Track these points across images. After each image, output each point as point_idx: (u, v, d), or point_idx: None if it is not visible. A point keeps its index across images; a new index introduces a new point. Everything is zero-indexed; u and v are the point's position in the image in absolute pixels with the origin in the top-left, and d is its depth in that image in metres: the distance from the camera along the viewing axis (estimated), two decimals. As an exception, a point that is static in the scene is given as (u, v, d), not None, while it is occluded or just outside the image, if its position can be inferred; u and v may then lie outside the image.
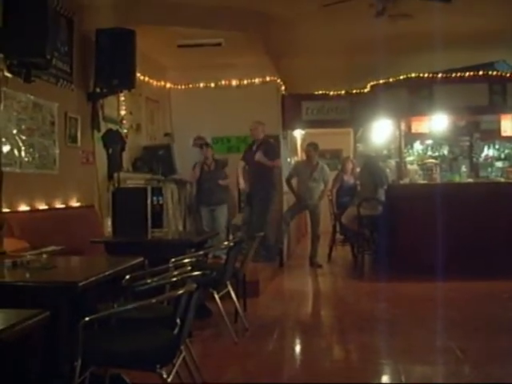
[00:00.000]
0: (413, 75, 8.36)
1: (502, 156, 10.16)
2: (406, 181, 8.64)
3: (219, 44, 7.52)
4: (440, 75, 8.37)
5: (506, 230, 7.30)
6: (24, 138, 5.13)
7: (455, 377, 3.88)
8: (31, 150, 5.24)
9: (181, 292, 2.79)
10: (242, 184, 8.00)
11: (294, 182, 8.85)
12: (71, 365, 2.66)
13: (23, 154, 5.12)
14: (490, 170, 10.01)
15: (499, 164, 10.05)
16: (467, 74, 8.35)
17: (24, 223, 4.76)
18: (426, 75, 8.37)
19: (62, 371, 3.01)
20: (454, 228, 7.25)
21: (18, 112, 5.04)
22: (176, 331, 2.87)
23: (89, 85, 6.32)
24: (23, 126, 5.12)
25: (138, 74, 7.06)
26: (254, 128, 7.94)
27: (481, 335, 4.82)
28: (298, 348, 4.91)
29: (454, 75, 8.36)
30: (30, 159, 5.24)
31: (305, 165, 8.87)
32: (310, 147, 8.75)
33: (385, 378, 3.95)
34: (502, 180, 8.92)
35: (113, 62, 6.10)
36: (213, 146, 8.27)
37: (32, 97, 5.22)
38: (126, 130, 7.37)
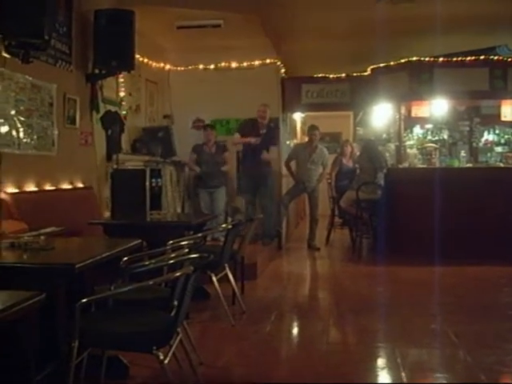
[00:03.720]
0: (414, 59, 8.32)
1: (502, 141, 10.16)
2: (406, 165, 8.64)
3: (219, 25, 7.47)
4: (441, 59, 8.33)
5: (504, 215, 7.32)
6: (22, 119, 5.12)
7: (449, 360, 3.92)
8: (30, 131, 5.23)
9: (178, 274, 2.80)
10: (254, 140, 7.90)
11: (292, 164, 8.84)
12: (69, 346, 2.68)
13: (22, 135, 5.11)
14: (489, 155, 10.02)
15: (499, 149, 10.05)
16: (468, 58, 8.30)
17: (22, 204, 4.76)
18: (426, 59, 8.32)
19: (59, 352, 3.04)
20: (452, 212, 7.27)
21: (16, 93, 5.01)
22: (173, 313, 2.88)
23: (88, 66, 6.28)
24: (21, 107, 5.10)
25: (137, 56, 7.02)
26: (263, 110, 7.91)
27: (476, 320, 4.85)
28: (295, 330, 4.94)
29: (454, 59, 8.32)
30: (29, 140, 5.23)
31: (304, 147, 8.86)
32: (314, 130, 8.72)
33: (380, 361, 3.98)
34: (501, 165, 8.92)
35: (112, 43, 6.05)
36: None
37: (30, 78, 5.19)
38: (124, 112, 7.34)
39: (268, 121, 8.01)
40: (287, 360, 4.07)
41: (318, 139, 8.72)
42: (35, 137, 5.32)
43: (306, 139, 9.14)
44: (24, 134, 5.15)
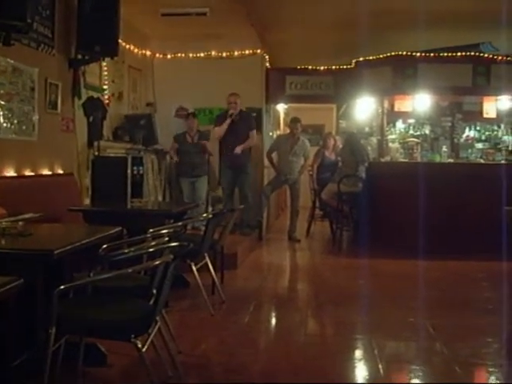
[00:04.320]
0: (398, 53, 8.34)
1: (483, 137, 10.25)
2: (387, 159, 8.69)
3: (204, 14, 7.41)
4: (425, 54, 8.37)
5: (484, 211, 7.38)
6: (3, 102, 5.04)
7: (426, 353, 3.96)
8: (10, 115, 5.16)
9: (158, 262, 2.79)
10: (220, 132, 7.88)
11: (274, 156, 8.84)
12: (46, 333, 2.66)
13: (1, 119, 5.04)
14: (470, 151, 10.10)
15: (479, 145, 10.13)
16: (452, 54, 8.35)
17: (1, 190, 4.70)
18: (410, 54, 8.36)
19: (37, 339, 3.01)
20: (433, 207, 7.32)
21: (-5, 77, 4.94)
22: (152, 301, 2.88)
23: (70, 51, 6.20)
24: (2, 91, 5.03)
25: (121, 42, 6.95)
26: (233, 101, 7.81)
27: (454, 313, 4.91)
28: (273, 321, 4.95)
29: (439, 55, 8.36)
30: (9, 125, 5.15)
31: (286, 139, 8.86)
32: (296, 123, 8.71)
33: (358, 352, 4.00)
34: (482, 161, 9.01)
35: (95, 29, 5.98)
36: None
37: (12, 61, 5.11)
38: (107, 98, 7.27)
39: (240, 109, 7.90)
40: (265, 350, 4.07)
41: (299, 131, 8.72)
42: (15, 121, 5.25)
43: (288, 131, 9.14)
44: (4, 119, 5.08)
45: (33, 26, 5.12)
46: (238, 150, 7.70)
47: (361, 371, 3.65)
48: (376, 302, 5.29)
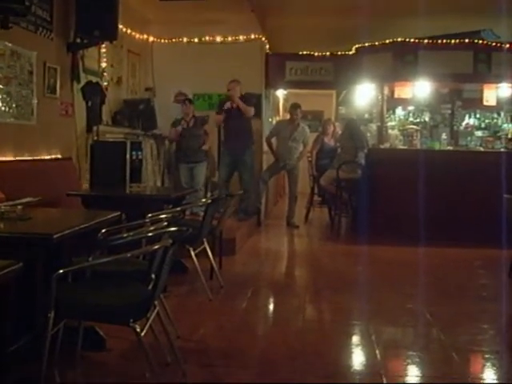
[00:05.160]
0: (398, 40, 8.30)
1: (482, 125, 10.23)
2: (387, 146, 8.68)
3: (204, -1, 7.36)
4: (426, 41, 8.33)
5: (483, 198, 7.38)
6: (1, 86, 5.02)
7: (423, 339, 3.98)
8: (8, 99, 5.13)
9: (156, 247, 2.79)
10: (219, 121, 7.88)
11: (274, 141, 8.82)
12: (45, 317, 2.67)
13: (0, 103, 5.02)
14: (469, 138, 10.08)
15: (479, 133, 10.12)
16: (453, 41, 8.32)
17: (0, 174, 4.69)
18: (411, 40, 8.32)
19: (35, 323, 3.02)
20: (432, 194, 7.32)
21: (-6, 60, 4.91)
22: (150, 286, 2.88)
23: (69, 35, 6.16)
24: (0, 75, 5.00)
25: (121, 26, 6.90)
26: (232, 87, 7.78)
27: (451, 300, 4.93)
28: (271, 307, 4.97)
29: (439, 42, 8.32)
30: (7, 109, 5.13)
31: (286, 124, 8.84)
32: (296, 109, 8.68)
33: (355, 338, 4.02)
34: (481, 149, 9.00)
35: (94, 12, 5.94)
36: (194, 102, 8.18)
37: (10, 44, 5.08)
38: (106, 83, 7.24)
39: (240, 94, 7.87)
40: (263, 336, 4.10)
41: (299, 117, 8.68)
42: (14, 105, 5.23)
43: (288, 117, 9.11)
44: (2, 103, 5.06)
45: (31, 9, 5.08)
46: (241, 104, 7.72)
47: (358, 357, 3.67)
48: (374, 288, 5.31)
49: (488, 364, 3.57)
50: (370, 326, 4.12)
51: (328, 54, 9.55)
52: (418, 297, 5.01)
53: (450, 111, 10.37)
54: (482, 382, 3.30)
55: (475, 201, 7.45)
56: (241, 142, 7.82)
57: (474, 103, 9.89)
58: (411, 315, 4.51)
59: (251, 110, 7.85)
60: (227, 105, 7.73)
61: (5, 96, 5.08)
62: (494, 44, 8.33)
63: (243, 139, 7.84)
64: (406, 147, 8.72)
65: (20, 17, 4.89)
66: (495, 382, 3.32)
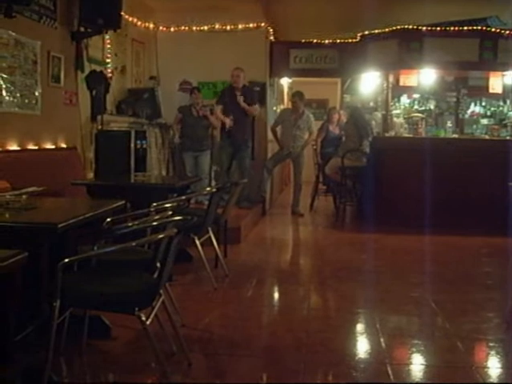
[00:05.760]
0: (403, 27, 8.25)
1: (488, 113, 10.19)
2: (392, 134, 8.64)
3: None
4: (431, 28, 8.27)
5: (488, 186, 7.35)
6: (5, 76, 5.02)
7: (428, 327, 3.99)
8: (12, 88, 5.13)
9: (161, 236, 2.79)
10: (229, 121, 7.86)
11: (278, 129, 8.81)
12: (50, 306, 2.68)
13: (4, 92, 5.02)
14: (474, 126, 10.05)
15: (484, 121, 10.08)
16: (459, 28, 8.25)
17: (5, 163, 4.70)
18: (416, 28, 8.26)
19: (41, 312, 3.03)
20: (437, 183, 7.30)
21: (-2, 49, 4.91)
22: (156, 275, 2.89)
23: (73, 23, 6.15)
24: (4, 64, 5.00)
25: (124, 15, 6.88)
26: (236, 75, 7.78)
27: (456, 288, 4.93)
28: (276, 295, 4.98)
29: (445, 29, 8.26)
30: (12, 98, 5.13)
31: (290, 113, 8.81)
32: (296, 97, 8.67)
33: (360, 326, 4.03)
34: (487, 137, 8.96)
35: (98, 1, 5.93)
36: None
37: (13, 33, 5.07)
38: (110, 72, 7.23)
39: (243, 84, 7.88)
40: (268, 324, 4.10)
41: (301, 105, 8.63)
42: (18, 95, 5.23)
43: (291, 106, 9.09)
44: (6, 92, 5.06)
45: (34, -2, 5.07)
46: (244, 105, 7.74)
47: (363, 345, 3.68)
48: (379, 276, 5.32)
49: (492, 352, 3.57)
50: (375, 315, 4.12)
51: (333, 41, 9.49)
52: (423, 285, 5.01)
53: (455, 99, 10.33)
54: (486, 370, 3.30)
55: (481, 189, 7.42)
56: (241, 132, 7.82)
57: (480, 91, 9.84)
58: (416, 303, 4.51)
59: (256, 110, 7.90)
60: (229, 123, 7.74)
61: (9, 85, 5.08)
62: (500, 31, 8.26)
63: (243, 129, 7.85)
64: (411, 135, 8.68)
65: (23, 6, 4.87)
66: (500, 370, 3.32)
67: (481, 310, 4.36)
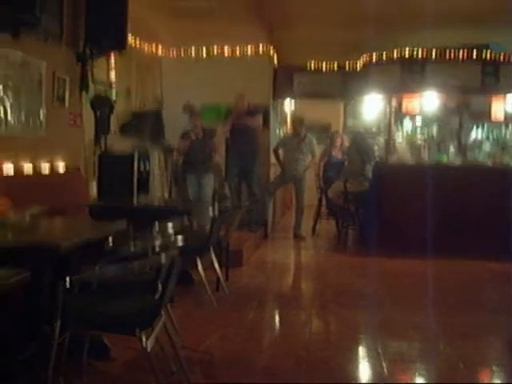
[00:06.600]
0: (406, 51, 8.32)
1: (490, 138, 10.21)
2: (394, 159, 8.66)
3: (213, 10, 7.40)
4: (433, 53, 8.34)
5: (490, 212, 7.34)
6: (10, 96, 5.05)
7: (430, 352, 3.95)
8: (17, 108, 5.16)
9: (163, 258, 2.79)
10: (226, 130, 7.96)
11: (281, 153, 8.85)
12: (51, 326, 2.67)
13: (9, 112, 5.05)
14: (477, 151, 10.06)
15: (487, 146, 10.10)
16: (461, 53, 8.32)
17: (9, 184, 4.71)
18: (419, 52, 8.33)
19: (42, 332, 3.02)
20: (439, 208, 7.28)
21: (4, 69, 4.94)
22: (157, 296, 2.88)
23: (78, 45, 6.19)
24: (10, 84, 5.03)
25: (129, 38, 6.95)
26: (239, 100, 7.88)
27: (457, 313, 4.89)
28: (277, 319, 4.95)
29: (447, 54, 8.33)
30: (16, 118, 5.16)
31: (292, 137, 8.87)
32: (297, 123, 8.78)
33: (362, 351, 4.00)
34: (489, 163, 8.96)
35: (104, 23, 5.98)
36: (203, 113, 8.20)
37: (20, 54, 5.12)
38: (114, 94, 7.28)
39: (248, 104, 7.97)
40: (269, 347, 4.08)
41: (302, 130, 8.69)
42: (23, 115, 5.26)
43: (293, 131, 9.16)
44: (11, 112, 5.08)
45: (41, 20, 5.10)
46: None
47: (365, 370, 3.65)
48: (381, 300, 5.28)
49: (495, 377, 3.54)
50: (377, 339, 4.09)
51: (335, 66, 9.57)
52: (425, 310, 4.98)
53: (457, 124, 10.35)
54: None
55: (483, 214, 7.40)
56: (247, 153, 7.85)
57: (482, 116, 9.87)
58: (417, 328, 4.48)
59: (257, 120, 7.94)
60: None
61: (14, 105, 5.11)
62: (501, 56, 8.32)
63: (250, 150, 7.88)
64: (413, 160, 8.70)
65: (30, 27, 4.93)
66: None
67: (484, 334, 4.32)
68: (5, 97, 4.97)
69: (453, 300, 5.35)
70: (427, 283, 5.94)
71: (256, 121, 7.96)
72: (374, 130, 10.40)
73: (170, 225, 3.82)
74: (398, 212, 7.62)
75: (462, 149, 10.08)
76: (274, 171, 9.25)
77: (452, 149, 9.44)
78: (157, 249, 3.27)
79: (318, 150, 9.23)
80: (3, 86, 4.94)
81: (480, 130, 10.28)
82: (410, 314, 4.83)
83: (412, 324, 4.58)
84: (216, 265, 4.99)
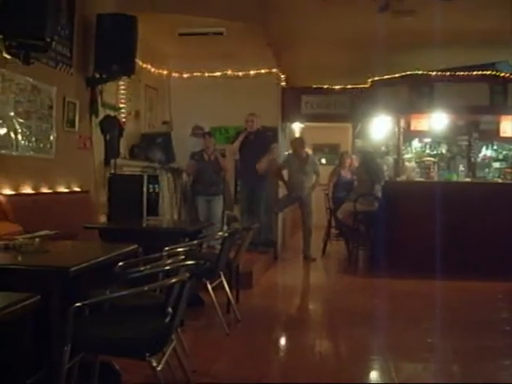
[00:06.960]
0: (414, 72, 8.34)
1: (500, 157, 10.18)
2: (403, 178, 8.63)
3: (221, 33, 7.47)
4: (441, 73, 8.36)
5: (502, 230, 7.29)
6: (21, 120, 5.10)
7: (444, 375, 3.89)
8: (28, 133, 5.21)
9: (173, 281, 2.77)
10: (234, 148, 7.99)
11: (285, 174, 8.84)
12: (61, 350, 2.65)
13: (20, 136, 5.09)
14: (487, 170, 10.03)
15: (496, 164, 10.07)
16: (469, 73, 8.34)
17: (18, 207, 4.73)
18: (427, 73, 8.35)
19: (51, 357, 3.00)
20: (449, 227, 7.24)
21: (15, 94, 5.00)
22: (167, 320, 2.85)
23: (88, 70, 6.27)
24: (20, 109, 5.09)
25: (138, 61, 7.01)
26: (250, 120, 7.90)
27: (472, 335, 4.82)
28: (288, 341, 4.90)
29: (455, 74, 8.35)
30: (27, 142, 5.20)
31: (294, 157, 8.84)
32: (296, 144, 8.77)
33: (374, 374, 3.95)
34: (500, 181, 8.92)
35: (113, 48, 6.05)
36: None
37: (30, 79, 5.18)
38: (124, 117, 7.33)
39: (257, 128, 7.98)
40: (280, 371, 4.03)
41: (302, 150, 8.67)
42: (33, 139, 5.30)
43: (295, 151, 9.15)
44: (22, 136, 5.13)
45: (52, 45, 5.18)
46: (262, 165, 7.75)
47: (378, 393, 3.60)
48: (393, 322, 5.22)
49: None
50: (390, 362, 4.03)
51: (343, 87, 9.60)
52: (438, 331, 4.92)
53: (466, 143, 10.34)
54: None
55: (495, 233, 7.35)
56: (257, 175, 7.84)
57: (491, 135, 9.87)
58: (431, 350, 4.42)
59: (273, 152, 8.05)
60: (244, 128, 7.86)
61: (25, 130, 5.15)
62: (509, 75, 8.33)
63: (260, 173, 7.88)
64: (423, 179, 8.67)
65: (41, 53, 4.98)
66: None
67: (499, 356, 4.26)
68: (15, 121, 5.01)
69: (466, 321, 5.27)
70: (439, 304, 5.87)
71: (273, 155, 8.00)
72: (383, 149, 10.40)
73: (179, 247, 3.82)
74: (409, 231, 7.57)
75: (472, 167, 10.06)
76: (283, 192, 9.24)
77: (462, 167, 9.41)
78: (167, 272, 3.26)
79: (328, 171, 9.22)
80: (15, 113, 4.99)
81: (489, 148, 10.26)
82: (423, 335, 4.77)
83: (425, 346, 4.52)
84: (226, 287, 4.96)
